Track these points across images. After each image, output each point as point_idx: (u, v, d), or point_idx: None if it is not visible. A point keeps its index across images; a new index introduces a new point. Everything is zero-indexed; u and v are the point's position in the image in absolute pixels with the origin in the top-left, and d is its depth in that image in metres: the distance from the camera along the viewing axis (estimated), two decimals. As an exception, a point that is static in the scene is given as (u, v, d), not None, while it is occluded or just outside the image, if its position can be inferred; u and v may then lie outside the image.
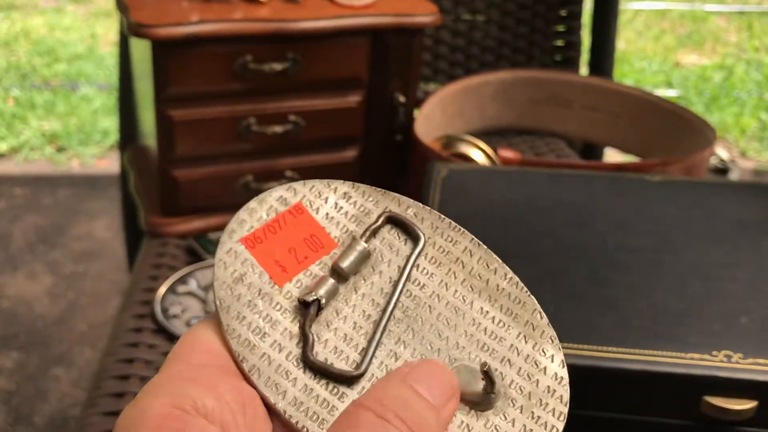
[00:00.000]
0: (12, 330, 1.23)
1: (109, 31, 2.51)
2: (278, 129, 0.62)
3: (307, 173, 0.65)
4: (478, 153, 0.62)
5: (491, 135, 0.84)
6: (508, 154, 0.63)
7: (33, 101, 1.94)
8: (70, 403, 1.11)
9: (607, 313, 0.41)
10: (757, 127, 2.08)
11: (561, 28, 0.84)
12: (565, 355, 0.38)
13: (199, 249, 0.60)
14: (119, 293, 1.33)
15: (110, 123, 1.85)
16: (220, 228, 0.63)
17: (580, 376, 0.38)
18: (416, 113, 0.69)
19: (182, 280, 0.56)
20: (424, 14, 0.62)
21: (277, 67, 0.59)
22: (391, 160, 0.68)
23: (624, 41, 2.70)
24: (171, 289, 0.55)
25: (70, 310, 1.28)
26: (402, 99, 0.65)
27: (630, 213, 0.51)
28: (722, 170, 1.87)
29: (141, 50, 0.61)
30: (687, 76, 2.43)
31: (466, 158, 0.62)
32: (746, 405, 0.38)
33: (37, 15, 2.65)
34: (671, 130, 0.78)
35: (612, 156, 0.96)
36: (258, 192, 0.61)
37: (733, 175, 1.84)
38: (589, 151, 0.87)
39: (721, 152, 1.93)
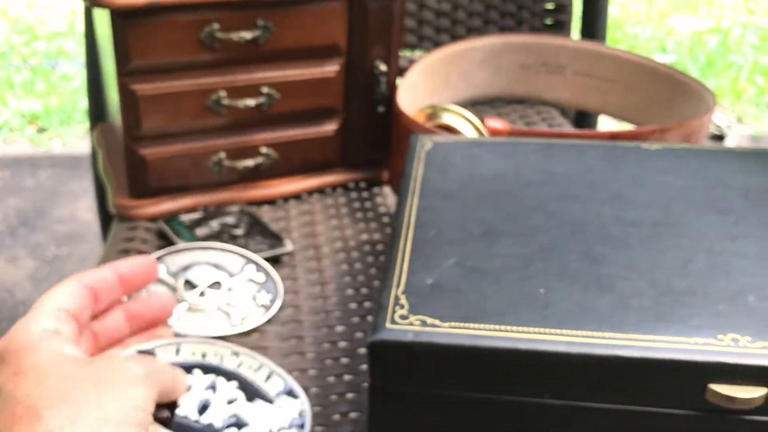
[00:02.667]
0: (-7, 316, 1.20)
1: (90, 6, 2.45)
2: (251, 102, 0.58)
3: (283, 149, 0.61)
4: (464, 124, 0.58)
5: (480, 104, 0.80)
6: (496, 124, 0.59)
7: (11, 81, 1.89)
8: None
9: (603, 294, 0.38)
10: (753, 92, 2.04)
11: (551, -11, 0.80)
12: (558, 342, 0.35)
13: (170, 232, 0.56)
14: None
15: (91, 101, 1.81)
16: (192, 209, 0.60)
17: (574, 365, 0.35)
18: (399, 82, 0.65)
19: (150, 266, 0.52)
20: (404, -24, 0.58)
21: (247, 35, 0.55)
22: (374, 134, 0.64)
23: (616, 6, 2.65)
24: (139, 276, 0.52)
25: (52, 295, 1.25)
26: (383, 67, 0.61)
27: (627, 184, 0.48)
28: (718, 136, 1.84)
29: (102, 21, 0.57)
30: (681, 41, 2.38)
31: (452, 130, 0.58)
32: (755, 392, 0.34)
33: (15, -8, 2.59)
34: (668, 95, 0.74)
35: (607, 124, 0.92)
36: (231, 171, 0.58)
37: (730, 141, 1.81)
38: (582, 119, 0.84)
39: (718, 118, 1.90)
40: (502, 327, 0.36)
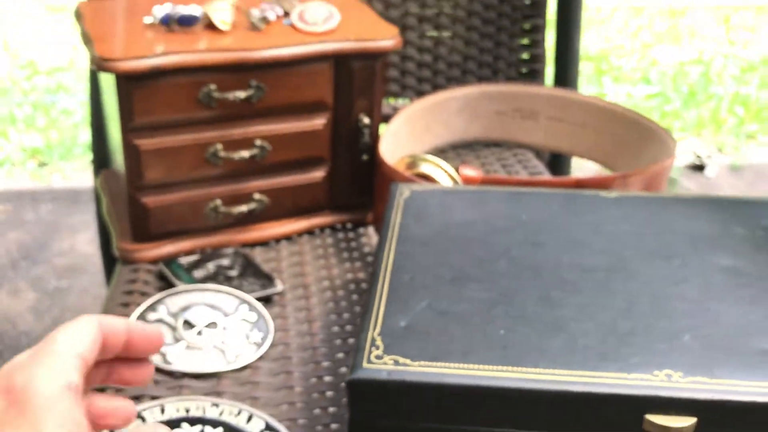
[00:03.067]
0: (-4, 347, 1.24)
1: (89, 41, 2.51)
2: (245, 154, 0.63)
3: (275, 195, 0.67)
4: (440, 173, 0.63)
5: (459, 148, 0.85)
6: (470, 173, 0.64)
7: (13, 116, 1.94)
8: None
9: (556, 335, 0.43)
10: (733, 122, 2.10)
11: (525, 41, 0.86)
12: (515, 378, 0.40)
13: (169, 275, 0.61)
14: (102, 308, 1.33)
15: (91, 136, 1.86)
16: (190, 252, 0.65)
17: (528, 399, 0.40)
18: (383, 130, 0.71)
19: (152, 308, 0.57)
20: (386, 38, 0.64)
21: (241, 94, 0.60)
22: (359, 180, 0.69)
23: (602, 39, 2.72)
24: (141, 317, 0.56)
25: (54, 326, 1.29)
26: (366, 120, 0.66)
27: (585, 231, 0.53)
28: (699, 166, 1.90)
29: (107, 81, 0.62)
30: (665, 72, 2.45)
31: (429, 178, 0.64)
32: (686, 422, 0.39)
33: (15, 25, 2.65)
34: (634, 139, 0.80)
35: (579, 164, 0.97)
36: (227, 217, 0.62)
37: (710, 171, 1.87)
38: (556, 161, 0.89)
39: (698, 148, 1.96)
40: (467, 365, 0.41)
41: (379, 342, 0.42)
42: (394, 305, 0.45)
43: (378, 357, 0.41)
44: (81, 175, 1.74)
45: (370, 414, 0.42)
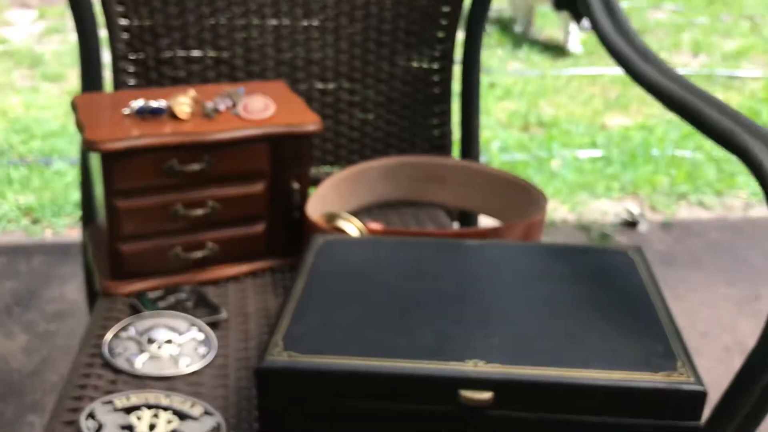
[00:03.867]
0: (-9, 383, 1.40)
1: (81, 108, 2.71)
2: (200, 212, 0.82)
3: (224, 244, 0.85)
4: (350, 227, 0.82)
5: (383, 207, 1.05)
6: (374, 226, 0.83)
7: (10, 177, 2.13)
8: (36, 454, 1.28)
9: (404, 337, 0.61)
10: (666, 183, 2.31)
11: (436, 122, 1.06)
12: (370, 365, 0.57)
13: (138, 304, 0.79)
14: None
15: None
16: (157, 288, 0.83)
17: (379, 380, 0.57)
18: (312, 191, 0.90)
19: (124, 329, 0.75)
20: (310, 124, 0.84)
21: (197, 167, 0.80)
22: (291, 232, 0.88)
23: (554, 106, 2.96)
24: (116, 335, 0.74)
25: (43, 364, 1.45)
26: (296, 185, 0.86)
27: (445, 267, 0.72)
28: (631, 223, 2.10)
29: (95, 157, 0.81)
30: (611, 137, 2.67)
31: (342, 231, 0.82)
32: (486, 395, 0.57)
33: (14, 94, 2.86)
34: (519, 199, 0.99)
35: (483, 219, 1.16)
36: (186, 261, 0.80)
37: (642, 228, 2.06)
38: (464, 217, 1.08)
39: (632, 206, 2.16)
40: (339, 357, 0.59)
41: (280, 343, 0.61)
42: (295, 319, 0.64)
43: (278, 353, 0.60)
44: (70, 231, 1.92)
45: (272, 395, 0.59)
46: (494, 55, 3.51)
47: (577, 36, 3.49)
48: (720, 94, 3.12)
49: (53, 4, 4.07)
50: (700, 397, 0.57)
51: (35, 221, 1.95)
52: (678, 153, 2.52)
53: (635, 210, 2.13)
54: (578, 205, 2.19)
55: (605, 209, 2.17)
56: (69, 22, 3.98)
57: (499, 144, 2.55)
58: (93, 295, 1.02)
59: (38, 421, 1.32)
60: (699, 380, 0.57)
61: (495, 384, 0.57)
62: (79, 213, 1.96)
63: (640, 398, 0.57)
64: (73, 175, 2.16)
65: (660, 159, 2.47)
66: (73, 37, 3.30)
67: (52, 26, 3.79)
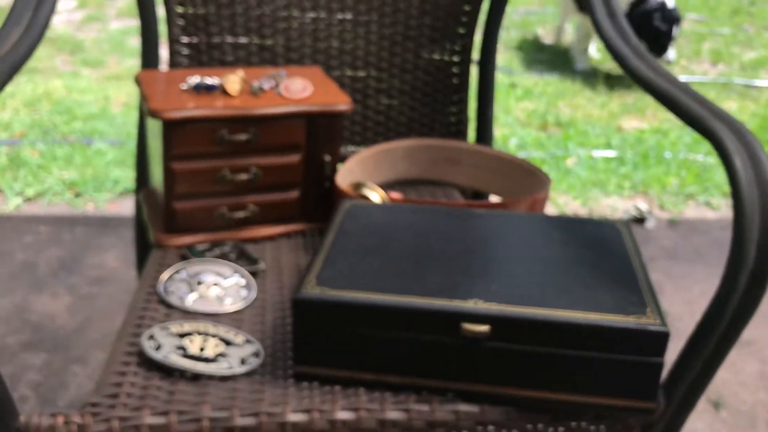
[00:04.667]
0: (39, 337, 1.54)
1: (119, 93, 2.86)
2: (244, 177, 0.94)
3: (263, 207, 0.97)
4: (374, 194, 0.94)
5: (404, 185, 1.16)
6: (394, 195, 0.95)
7: (54, 154, 2.27)
8: (86, 391, 1.41)
9: (419, 280, 0.72)
10: (676, 184, 2.41)
11: (453, 109, 1.18)
12: (389, 300, 0.69)
13: (188, 254, 0.91)
14: (126, 309, 1.62)
15: (120, 173, 2.18)
16: (204, 242, 0.95)
17: (396, 313, 0.69)
18: (341, 166, 1.01)
19: (177, 272, 0.87)
20: (342, 104, 0.95)
21: (243, 137, 0.92)
22: (321, 200, 1.00)
23: (572, 108, 3.06)
24: (169, 277, 0.86)
25: (86, 323, 1.59)
26: (328, 158, 0.97)
27: (457, 229, 0.83)
28: (639, 219, 2.19)
29: (154, 125, 0.93)
30: (626, 138, 2.77)
31: (367, 198, 0.94)
32: (484, 328, 0.68)
33: (56, 78, 3.02)
34: (526, 180, 1.10)
35: (494, 198, 1.26)
36: (229, 219, 0.92)
37: (649, 224, 2.16)
38: (477, 197, 1.19)
39: (641, 204, 2.26)
40: (362, 292, 0.70)
41: (313, 279, 0.72)
42: (326, 264, 0.76)
43: (312, 287, 0.71)
44: (110, 205, 2.05)
45: (305, 322, 0.71)
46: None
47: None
48: (735, 103, 3.20)
49: (95, -6, 4.22)
50: (663, 336, 0.68)
51: (78, 195, 2.08)
52: (690, 156, 2.61)
53: (644, 207, 2.23)
54: (590, 200, 2.29)
55: (615, 206, 2.27)
56: (108, 11, 4.16)
57: (517, 141, 2.65)
58: (143, 251, 1.14)
59: (82, 371, 1.45)
60: (663, 323, 0.68)
61: (492, 319, 0.69)
62: (118, 189, 2.11)
63: (613, 336, 0.68)
64: (112, 155, 2.30)
65: (672, 161, 2.56)
66: (112, 25, 3.48)
67: (92, 14, 3.95)
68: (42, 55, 3.27)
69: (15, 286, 1.69)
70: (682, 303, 1.78)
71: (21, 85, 2.87)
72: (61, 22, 3.81)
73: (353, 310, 0.70)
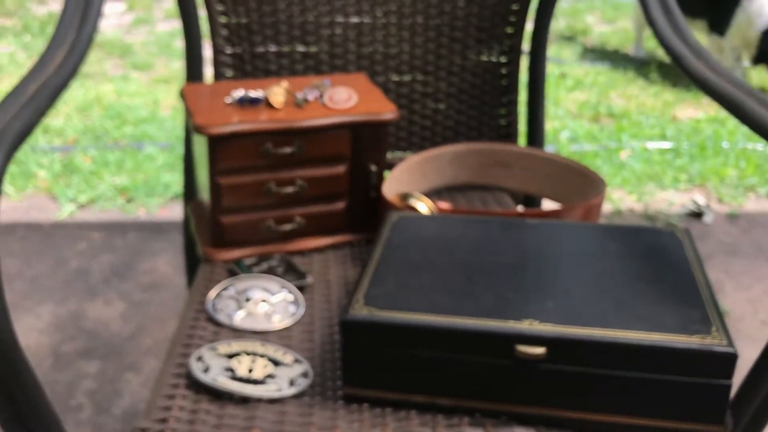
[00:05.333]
0: (94, 344, 1.56)
1: (168, 96, 2.89)
2: (289, 189, 0.93)
3: (310, 219, 0.96)
4: (422, 205, 0.92)
5: (452, 190, 1.13)
6: (443, 205, 0.92)
7: (106, 159, 2.31)
8: (140, 399, 1.42)
9: (470, 299, 0.70)
10: (734, 176, 2.32)
11: (503, 111, 1.14)
12: (440, 322, 0.67)
13: (236, 269, 0.91)
14: (177, 316, 1.64)
15: (171, 178, 2.20)
16: (251, 255, 0.94)
17: (447, 334, 0.67)
18: (387, 174, 0.99)
19: (225, 288, 0.86)
20: (387, 113, 0.93)
21: (288, 150, 0.90)
22: (368, 210, 0.98)
23: (625, 98, 2.97)
24: (218, 294, 0.86)
25: (138, 329, 1.60)
26: (374, 168, 0.95)
27: (508, 242, 0.80)
28: (697, 214, 2.12)
29: (200, 139, 0.93)
30: (681, 129, 2.68)
31: (414, 209, 0.92)
32: (539, 350, 0.66)
33: (106, 82, 3.07)
34: (580, 184, 1.07)
35: (546, 203, 1.23)
36: (276, 232, 0.91)
37: (707, 219, 2.09)
38: (529, 201, 1.16)
39: (698, 198, 2.18)
40: (412, 314, 0.68)
41: (361, 299, 0.71)
42: (374, 282, 0.74)
43: (359, 308, 0.70)
44: (162, 210, 2.08)
45: (353, 344, 0.69)
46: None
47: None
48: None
49: (143, -2, 4.28)
50: (731, 358, 0.64)
51: (129, 200, 2.11)
52: (749, 146, 2.51)
53: (701, 201, 2.15)
54: (645, 195, 2.22)
55: (672, 200, 2.20)
56: (156, 14, 4.22)
57: (569, 134, 2.59)
58: (192, 262, 1.14)
59: (135, 378, 1.47)
60: (731, 343, 0.64)
61: (547, 340, 0.66)
62: (169, 194, 2.13)
63: (677, 357, 0.64)
64: (163, 159, 2.32)
65: (730, 152, 2.47)
66: (158, 28, 3.52)
67: (140, 17, 4.00)
68: (92, 59, 3.33)
69: (70, 293, 1.72)
70: (744, 302, 1.72)
71: (73, 91, 2.92)
72: (110, 26, 3.87)
73: (402, 331, 0.68)
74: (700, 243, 1.98)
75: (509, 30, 1.11)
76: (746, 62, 3.03)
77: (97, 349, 1.54)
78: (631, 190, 2.24)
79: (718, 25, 3.00)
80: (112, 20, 3.98)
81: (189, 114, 0.90)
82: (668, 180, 2.30)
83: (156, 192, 2.13)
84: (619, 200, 2.20)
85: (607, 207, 2.15)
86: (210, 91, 0.97)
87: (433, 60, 1.12)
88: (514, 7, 1.09)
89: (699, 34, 3.21)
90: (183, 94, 0.96)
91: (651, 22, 0.87)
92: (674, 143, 2.54)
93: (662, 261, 0.77)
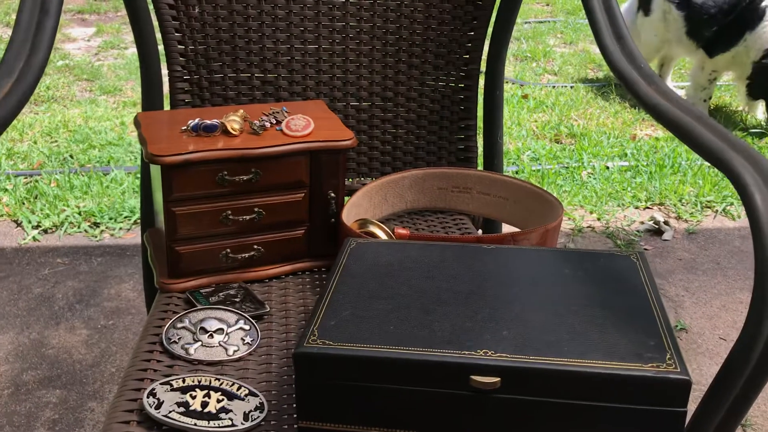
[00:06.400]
0: (55, 372, 1.53)
1: (135, 118, 2.86)
2: (247, 217, 0.92)
3: (268, 246, 0.95)
4: (380, 231, 0.91)
5: (412, 214, 1.13)
6: (401, 231, 0.92)
7: (71, 183, 2.28)
8: (103, 429, 1.39)
9: (425, 329, 0.70)
10: (693, 193, 2.35)
11: (461, 136, 1.15)
12: (395, 352, 0.66)
13: (192, 299, 0.89)
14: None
15: (136, 202, 2.18)
16: (208, 285, 0.93)
17: (401, 366, 0.66)
18: (347, 200, 0.99)
19: (180, 319, 0.85)
20: (345, 140, 0.93)
21: (245, 177, 0.90)
22: (327, 236, 0.97)
23: (585, 118, 3.01)
24: (172, 325, 0.84)
25: (102, 356, 1.58)
26: (332, 194, 0.95)
27: (463, 269, 0.80)
28: (657, 231, 2.14)
29: (155, 169, 0.92)
30: (640, 147, 2.71)
31: (373, 235, 0.92)
32: (494, 380, 0.65)
33: (74, 106, 3.03)
34: (537, 207, 1.07)
35: (505, 227, 1.24)
36: (234, 261, 0.90)
37: (667, 236, 2.11)
38: (488, 224, 1.17)
39: (657, 215, 2.21)
40: (366, 346, 0.68)
41: (315, 332, 0.70)
42: (329, 312, 0.73)
43: (314, 340, 0.69)
44: (127, 234, 2.05)
45: (308, 377, 0.69)
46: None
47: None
48: None
49: (109, 21, 4.26)
50: (685, 386, 0.64)
51: (94, 225, 2.08)
52: (706, 164, 2.55)
53: (661, 219, 2.18)
54: (605, 213, 2.24)
55: (632, 217, 2.23)
56: (125, 37, 4.18)
57: (531, 154, 2.61)
58: (150, 291, 1.13)
59: (98, 407, 1.44)
60: (685, 371, 0.65)
61: (502, 371, 0.66)
62: (134, 218, 2.10)
63: (631, 386, 0.64)
64: (129, 182, 2.30)
65: (688, 169, 2.51)
66: (128, 51, 3.48)
67: (108, 41, 3.97)
68: (60, 83, 3.29)
69: (32, 320, 1.69)
70: (703, 318, 1.73)
71: (39, 115, 2.89)
72: (79, 49, 3.84)
73: (357, 364, 0.67)
74: (659, 260, 2.00)
75: (466, 56, 1.12)
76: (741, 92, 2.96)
77: (59, 377, 1.51)
78: (592, 209, 2.26)
79: (710, 47, 2.97)
80: (80, 44, 3.95)
81: (143, 142, 0.90)
82: (628, 198, 2.33)
83: (122, 216, 2.11)
84: (581, 219, 2.22)
85: (568, 225, 2.17)
86: (166, 119, 0.96)
87: (392, 86, 1.12)
88: (471, 33, 1.10)
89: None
90: (137, 122, 0.95)
91: (602, 48, 0.88)
92: (634, 162, 2.57)
93: (617, 286, 0.77)
